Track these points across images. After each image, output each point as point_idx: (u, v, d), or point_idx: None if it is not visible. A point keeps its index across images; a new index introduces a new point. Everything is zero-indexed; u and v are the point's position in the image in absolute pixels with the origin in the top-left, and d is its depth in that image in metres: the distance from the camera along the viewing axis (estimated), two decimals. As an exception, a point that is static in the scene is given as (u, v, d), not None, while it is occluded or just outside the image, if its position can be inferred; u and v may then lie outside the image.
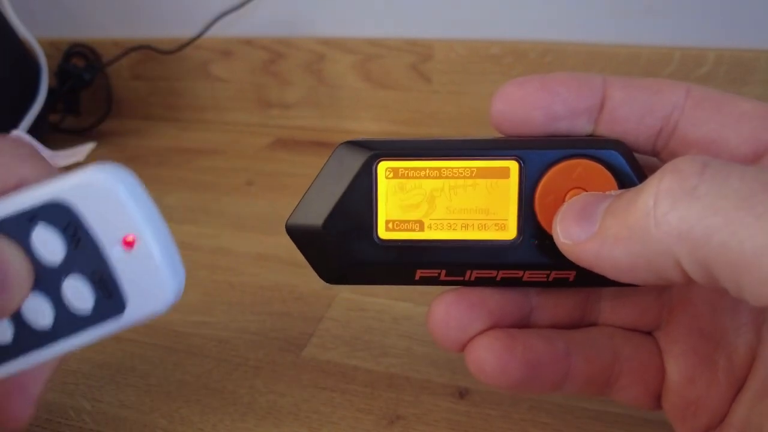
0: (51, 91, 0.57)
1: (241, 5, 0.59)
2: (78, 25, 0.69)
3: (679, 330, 0.20)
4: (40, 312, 0.18)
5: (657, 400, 0.20)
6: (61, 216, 0.17)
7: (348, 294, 0.33)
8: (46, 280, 0.17)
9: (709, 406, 0.18)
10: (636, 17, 0.51)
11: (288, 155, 0.57)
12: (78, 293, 0.17)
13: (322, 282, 0.20)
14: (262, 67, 0.63)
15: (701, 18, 0.50)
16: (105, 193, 0.17)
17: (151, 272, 0.17)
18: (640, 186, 0.15)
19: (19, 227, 0.17)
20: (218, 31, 0.61)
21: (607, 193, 0.17)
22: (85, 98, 0.64)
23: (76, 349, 0.18)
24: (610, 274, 0.16)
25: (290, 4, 0.60)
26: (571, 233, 0.16)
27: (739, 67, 0.49)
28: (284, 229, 0.20)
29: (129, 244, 0.17)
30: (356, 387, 0.27)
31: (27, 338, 0.18)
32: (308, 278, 0.35)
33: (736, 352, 0.18)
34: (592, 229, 0.15)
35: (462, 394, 0.26)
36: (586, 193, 0.17)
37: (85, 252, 0.17)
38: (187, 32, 0.62)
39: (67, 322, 0.18)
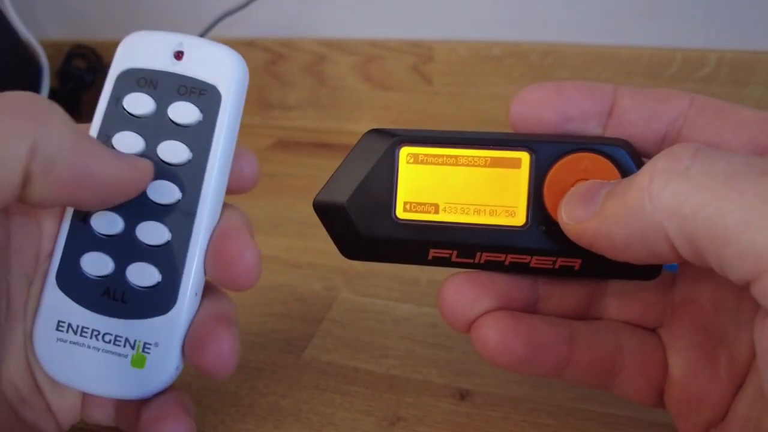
0: (52, 93, 0.58)
1: (243, 6, 0.59)
2: (79, 26, 0.69)
3: (682, 326, 0.20)
4: (175, 151, 0.20)
5: (658, 396, 0.20)
6: (133, 79, 0.21)
7: (349, 295, 0.33)
8: (157, 130, 0.21)
9: (710, 402, 0.19)
10: (637, 18, 0.51)
11: (289, 156, 0.57)
12: (182, 110, 0.21)
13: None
14: (264, 69, 0.63)
15: (702, 19, 0.50)
16: (137, 40, 0.21)
17: (209, 56, 0.21)
18: (637, 171, 0.16)
19: (117, 112, 0.21)
20: (220, 32, 0.61)
21: (609, 181, 0.18)
22: (86, 100, 0.64)
23: (226, 158, 0.21)
24: (608, 252, 0.17)
25: (291, 6, 0.60)
26: (574, 214, 0.17)
27: (741, 68, 0.49)
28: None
29: (180, 54, 0.21)
30: (357, 388, 0.27)
31: (201, 182, 0.20)
32: (309, 279, 0.35)
33: (738, 350, 0.18)
34: (594, 209, 0.17)
35: (463, 395, 0.26)
36: (590, 180, 0.18)
37: (164, 86, 0.21)
38: (188, 33, 0.62)
39: (193, 143, 0.20)
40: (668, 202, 0.14)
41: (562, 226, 0.18)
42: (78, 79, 0.63)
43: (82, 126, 0.21)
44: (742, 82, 0.49)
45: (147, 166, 0.20)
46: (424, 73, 0.58)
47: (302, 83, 0.62)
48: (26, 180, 0.16)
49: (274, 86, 0.63)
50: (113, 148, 0.20)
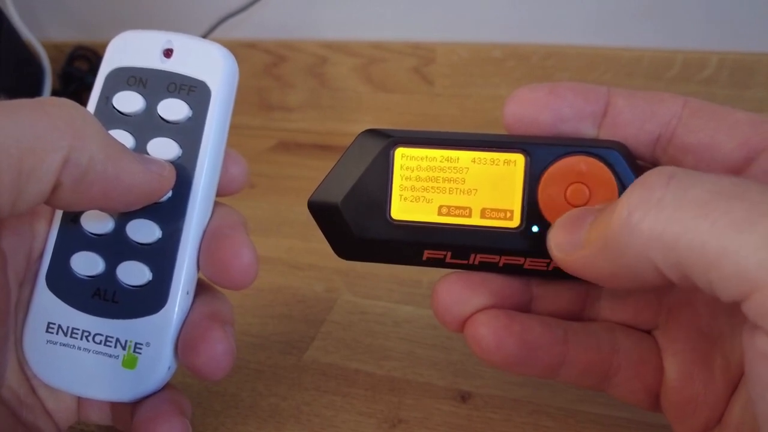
0: (54, 94, 0.58)
1: (244, 8, 0.60)
2: (81, 28, 0.69)
3: (678, 329, 0.20)
4: (165, 148, 0.20)
5: (655, 399, 0.20)
6: (122, 78, 0.21)
7: (350, 297, 0.33)
8: (146, 127, 0.21)
9: (706, 405, 0.19)
10: (638, 21, 0.51)
11: (290, 158, 0.57)
12: (172, 107, 0.21)
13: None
14: (265, 70, 0.63)
15: (703, 21, 0.50)
16: (126, 39, 0.21)
17: (198, 53, 0.21)
18: (618, 200, 0.16)
19: (107, 111, 0.21)
20: (221, 34, 0.61)
21: (595, 207, 0.18)
22: (87, 101, 0.64)
23: (217, 155, 0.21)
24: (599, 283, 0.17)
25: (293, 8, 0.60)
26: (562, 247, 0.18)
27: (742, 70, 0.49)
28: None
29: (169, 52, 0.21)
30: (358, 390, 0.27)
31: (191, 179, 0.20)
32: (310, 281, 0.35)
33: (733, 352, 0.18)
34: (579, 243, 0.17)
35: (464, 397, 0.26)
36: (577, 208, 0.18)
37: (153, 83, 0.21)
38: (190, 35, 0.63)
39: (183, 140, 0.20)
40: (648, 234, 0.14)
41: (553, 258, 0.18)
42: (80, 80, 0.63)
43: None
44: (743, 83, 0.49)
45: (171, 174, 0.20)
46: (426, 75, 0.58)
47: (303, 85, 0.62)
48: (55, 189, 0.17)
49: (275, 88, 0.63)
50: None
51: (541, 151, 0.19)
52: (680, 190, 0.14)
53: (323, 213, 0.20)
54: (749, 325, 0.14)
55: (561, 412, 0.25)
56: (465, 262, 0.20)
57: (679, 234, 0.14)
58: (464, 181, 0.20)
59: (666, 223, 0.14)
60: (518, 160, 0.19)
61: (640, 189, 0.15)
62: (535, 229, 0.19)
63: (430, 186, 0.20)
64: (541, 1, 0.53)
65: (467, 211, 0.20)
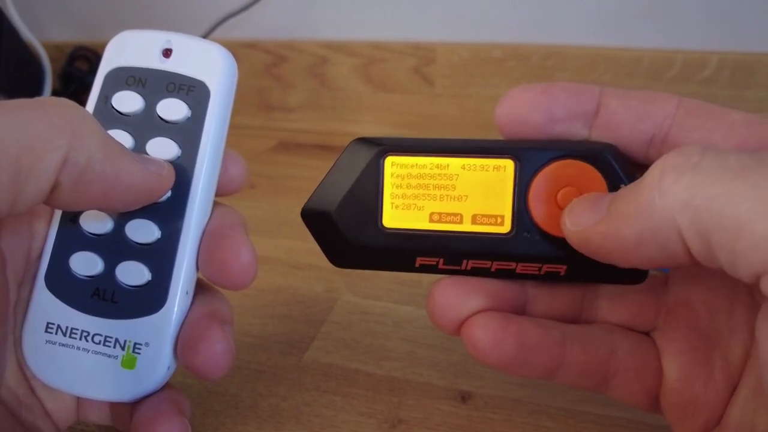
0: (54, 94, 0.58)
1: (245, 8, 0.60)
2: (81, 28, 0.69)
3: (676, 330, 0.20)
4: (164, 148, 0.20)
5: (654, 400, 0.20)
6: (121, 77, 0.21)
7: (350, 297, 0.33)
8: (146, 127, 0.21)
9: (706, 406, 0.19)
10: (638, 21, 0.51)
11: (290, 158, 0.57)
12: (171, 107, 0.21)
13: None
14: (265, 70, 0.63)
15: (703, 21, 0.50)
16: (126, 39, 0.22)
17: (197, 53, 0.21)
18: (646, 171, 0.16)
19: (106, 110, 0.21)
20: (221, 34, 0.61)
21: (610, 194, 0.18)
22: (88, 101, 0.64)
23: (216, 155, 0.21)
24: (617, 256, 0.16)
25: (293, 8, 0.60)
26: (580, 220, 0.17)
27: (742, 70, 0.49)
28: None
29: (168, 52, 0.21)
30: (358, 390, 0.27)
31: (190, 178, 0.20)
32: (310, 281, 0.35)
33: (732, 352, 0.18)
34: (601, 214, 0.17)
35: (464, 397, 0.26)
36: (591, 193, 0.18)
37: (152, 83, 0.21)
38: (190, 35, 0.62)
39: (182, 140, 0.20)
40: (679, 195, 0.14)
41: (567, 236, 0.18)
42: (80, 80, 0.63)
43: None
44: (743, 84, 0.49)
45: (170, 174, 0.20)
46: (426, 75, 0.58)
47: (304, 85, 0.62)
48: (54, 188, 0.17)
49: (275, 88, 0.63)
50: None
51: (530, 156, 0.19)
52: (718, 158, 0.14)
53: (317, 221, 0.20)
54: (766, 306, 0.14)
55: (561, 412, 0.25)
56: (457, 268, 0.20)
57: (712, 197, 0.14)
58: (455, 188, 0.20)
59: (699, 187, 0.14)
60: (508, 165, 0.19)
61: (675, 155, 0.15)
62: (525, 234, 0.19)
63: (421, 193, 0.20)
64: (541, 1, 0.53)
65: (458, 218, 0.20)
